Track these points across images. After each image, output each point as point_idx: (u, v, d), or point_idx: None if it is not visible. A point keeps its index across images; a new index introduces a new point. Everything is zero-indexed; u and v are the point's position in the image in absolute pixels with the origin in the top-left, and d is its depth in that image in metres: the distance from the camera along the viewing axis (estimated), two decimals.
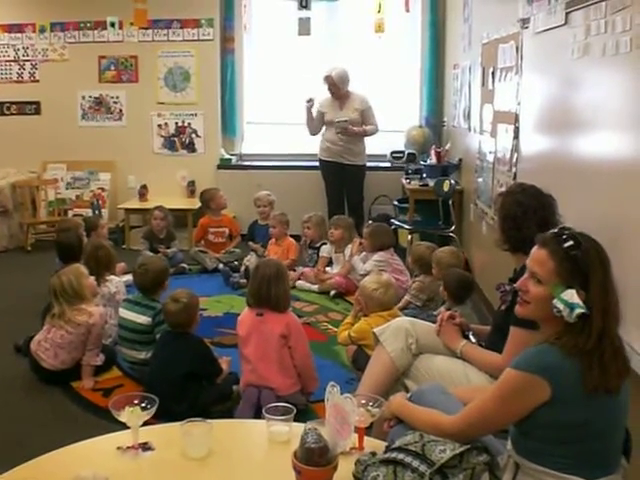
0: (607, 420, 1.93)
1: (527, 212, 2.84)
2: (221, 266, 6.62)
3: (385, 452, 2.01)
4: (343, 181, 7.46)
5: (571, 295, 1.93)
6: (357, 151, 7.43)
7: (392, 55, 8.37)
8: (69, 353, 4.16)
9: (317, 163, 7.75)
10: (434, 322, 3.26)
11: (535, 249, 2.08)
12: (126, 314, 4.32)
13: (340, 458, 1.97)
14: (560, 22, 3.43)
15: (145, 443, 2.24)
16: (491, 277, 4.55)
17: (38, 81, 8.34)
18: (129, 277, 5.89)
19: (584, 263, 1.95)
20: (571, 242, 1.98)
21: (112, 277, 4.89)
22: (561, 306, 1.93)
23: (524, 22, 4.19)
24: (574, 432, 1.90)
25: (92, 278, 4.46)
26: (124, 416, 2.20)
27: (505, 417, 2.01)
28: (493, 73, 5.12)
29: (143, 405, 2.25)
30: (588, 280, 1.94)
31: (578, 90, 3.31)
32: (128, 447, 2.22)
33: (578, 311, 1.91)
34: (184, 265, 6.71)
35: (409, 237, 6.85)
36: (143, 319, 4.22)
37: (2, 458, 2.39)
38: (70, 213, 8.17)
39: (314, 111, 7.44)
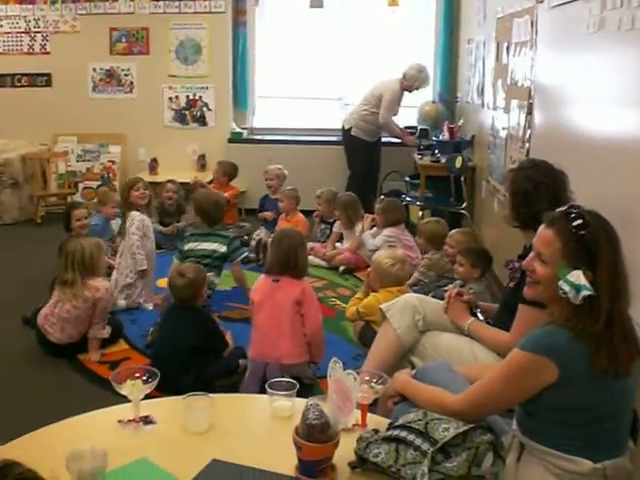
0: (615, 403, 1.89)
1: (538, 188, 2.77)
2: None
3: (388, 429, 1.98)
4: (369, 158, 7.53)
5: (577, 276, 1.87)
6: None
7: (406, 29, 8.26)
8: (75, 327, 4.16)
9: (330, 138, 7.87)
10: (442, 299, 3.23)
11: (541, 228, 2.02)
12: (195, 246, 4.84)
13: (342, 434, 1.95)
14: None
15: (146, 416, 2.22)
16: (502, 254, 4.49)
17: (49, 53, 8.30)
18: None
19: (591, 243, 1.89)
20: (579, 221, 1.91)
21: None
22: (567, 288, 1.87)
23: None
24: (581, 414, 1.87)
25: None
26: (125, 389, 2.18)
27: (511, 398, 1.97)
28: (507, 48, 5.04)
29: (144, 378, 2.23)
30: (596, 261, 1.88)
31: (593, 65, 3.24)
32: (129, 420, 2.20)
33: (584, 293, 1.85)
34: None
35: (420, 213, 6.79)
36: (215, 246, 4.81)
37: (8, 429, 2.37)
38: (80, 186, 8.17)
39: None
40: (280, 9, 8.40)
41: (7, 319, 4.74)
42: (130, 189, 5.14)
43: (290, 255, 3.71)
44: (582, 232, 1.90)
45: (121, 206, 5.37)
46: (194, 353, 3.68)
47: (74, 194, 8.06)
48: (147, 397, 2.30)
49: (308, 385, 3.58)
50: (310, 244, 6.31)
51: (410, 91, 7.44)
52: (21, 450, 2.07)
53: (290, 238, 3.81)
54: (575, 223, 1.91)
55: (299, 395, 2.31)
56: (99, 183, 7.97)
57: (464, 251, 4.36)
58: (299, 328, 3.67)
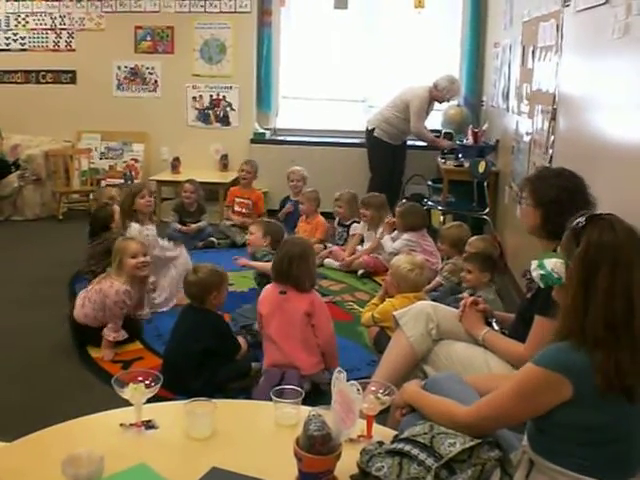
0: (629, 423, 1.82)
1: (572, 196, 2.69)
2: None
3: (392, 442, 1.93)
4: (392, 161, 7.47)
5: (552, 262, 1.89)
6: None
7: (432, 31, 8.20)
8: (93, 310, 4.20)
9: (354, 140, 7.88)
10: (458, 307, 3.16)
11: None
12: None
13: (347, 446, 1.90)
14: (601, 0, 3.29)
15: (149, 421, 2.18)
16: (524, 262, 4.42)
17: (74, 50, 8.34)
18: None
19: (580, 239, 1.84)
20: (583, 220, 1.87)
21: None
22: (533, 265, 1.94)
23: (565, 0, 4.04)
24: (594, 434, 1.80)
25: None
26: (127, 393, 2.14)
27: (522, 413, 1.91)
28: (533, 52, 4.97)
29: (147, 382, 2.19)
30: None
31: (618, 71, 3.18)
32: (131, 424, 2.16)
33: (538, 272, 1.92)
34: (213, 239, 6.69)
35: (442, 218, 6.72)
36: None
37: (17, 426, 2.37)
38: (103, 183, 8.18)
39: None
40: (305, 10, 8.38)
41: (26, 315, 4.75)
42: (135, 196, 4.99)
43: (284, 263, 3.64)
44: (576, 229, 1.87)
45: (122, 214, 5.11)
46: (206, 355, 3.65)
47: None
48: (158, 398, 2.28)
49: (324, 391, 3.52)
50: (329, 246, 6.28)
51: (440, 102, 7.38)
52: (22, 451, 2.07)
53: (291, 246, 3.73)
54: (578, 221, 1.88)
55: (316, 401, 2.26)
56: (122, 181, 8.00)
57: (469, 257, 4.30)
58: (312, 339, 3.62)
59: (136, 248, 4.30)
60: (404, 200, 6.63)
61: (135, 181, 8.03)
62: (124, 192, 5.22)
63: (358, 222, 6.43)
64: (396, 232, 5.85)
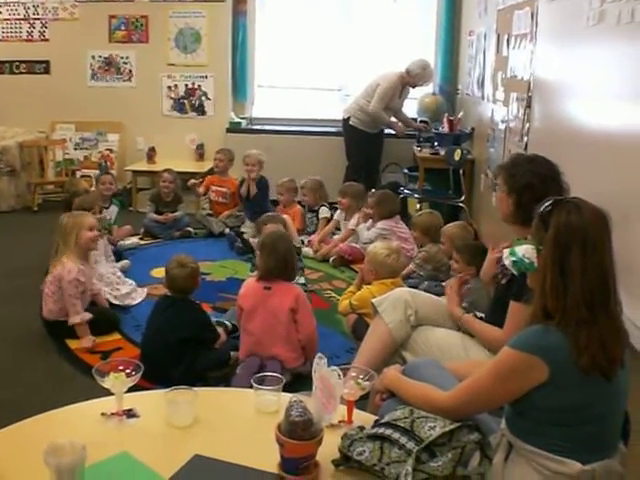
0: (605, 403, 1.85)
1: (545, 181, 2.69)
2: (227, 230, 6.55)
3: (373, 427, 1.95)
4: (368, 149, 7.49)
5: (524, 249, 1.94)
6: None
7: (407, 20, 8.21)
8: (55, 303, 4.20)
9: (330, 129, 7.94)
10: (436, 293, 3.20)
11: None
12: None
13: (327, 431, 1.92)
14: None
15: (130, 410, 2.19)
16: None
17: (48, 40, 8.23)
18: (134, 239, 5.90)
19: (548, 223, 1.88)
20: (549, 205, 1.91)
21: None
22: (505, 254, 2.00)
23: None
24: (570, 415, 1.83)
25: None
26: (108, 382, 2.15)
27: (500, 396, 1.93)
28: (508, 40, 5.00)
29: (128, 371, 2.19)
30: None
31: (592, 59, 3.21)
32: (112, 413, 2.17)
33: (510, 259, 1.98)
34: (190, 229, 6.66)
35: (418, 206, 6.75)
36: None
37: None
38: (78, 174, 8.11)
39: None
40: None
41: (2, 307, 4.72)
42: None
43: (288, 260, 3.67)
44: (544, 214, 1.90)
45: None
46: (185, 344, 3.64)
47: None
48: (137, 388, 2.28)
49: (306, 378, 3.53)
50: (305, 237, 6.28)
51: (413, 87, 7.41)
52: (2, 442, 2.06)
53: (281, 243, 3.72)
54: (545, 206, 1.91)
55: (298, 387, 2.28)
56: (97, 172, 7.93)
57: (459, 248, 4.24)
58: (294, 334, 3.63)
59: (92, 222, 4.30)
60: (373, 190, 6.58)
61: (111, 171, 7.94)
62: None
63: (325, 206, 6.53)
64: (370, 221, 5.86)
